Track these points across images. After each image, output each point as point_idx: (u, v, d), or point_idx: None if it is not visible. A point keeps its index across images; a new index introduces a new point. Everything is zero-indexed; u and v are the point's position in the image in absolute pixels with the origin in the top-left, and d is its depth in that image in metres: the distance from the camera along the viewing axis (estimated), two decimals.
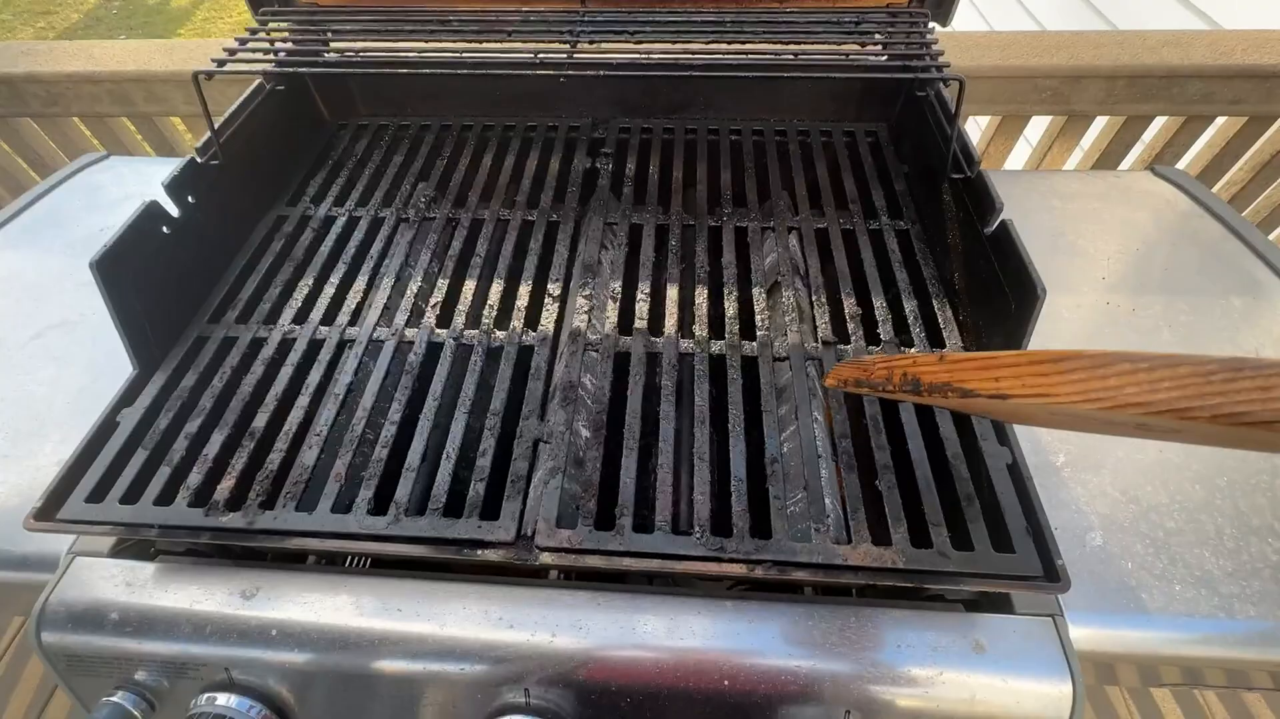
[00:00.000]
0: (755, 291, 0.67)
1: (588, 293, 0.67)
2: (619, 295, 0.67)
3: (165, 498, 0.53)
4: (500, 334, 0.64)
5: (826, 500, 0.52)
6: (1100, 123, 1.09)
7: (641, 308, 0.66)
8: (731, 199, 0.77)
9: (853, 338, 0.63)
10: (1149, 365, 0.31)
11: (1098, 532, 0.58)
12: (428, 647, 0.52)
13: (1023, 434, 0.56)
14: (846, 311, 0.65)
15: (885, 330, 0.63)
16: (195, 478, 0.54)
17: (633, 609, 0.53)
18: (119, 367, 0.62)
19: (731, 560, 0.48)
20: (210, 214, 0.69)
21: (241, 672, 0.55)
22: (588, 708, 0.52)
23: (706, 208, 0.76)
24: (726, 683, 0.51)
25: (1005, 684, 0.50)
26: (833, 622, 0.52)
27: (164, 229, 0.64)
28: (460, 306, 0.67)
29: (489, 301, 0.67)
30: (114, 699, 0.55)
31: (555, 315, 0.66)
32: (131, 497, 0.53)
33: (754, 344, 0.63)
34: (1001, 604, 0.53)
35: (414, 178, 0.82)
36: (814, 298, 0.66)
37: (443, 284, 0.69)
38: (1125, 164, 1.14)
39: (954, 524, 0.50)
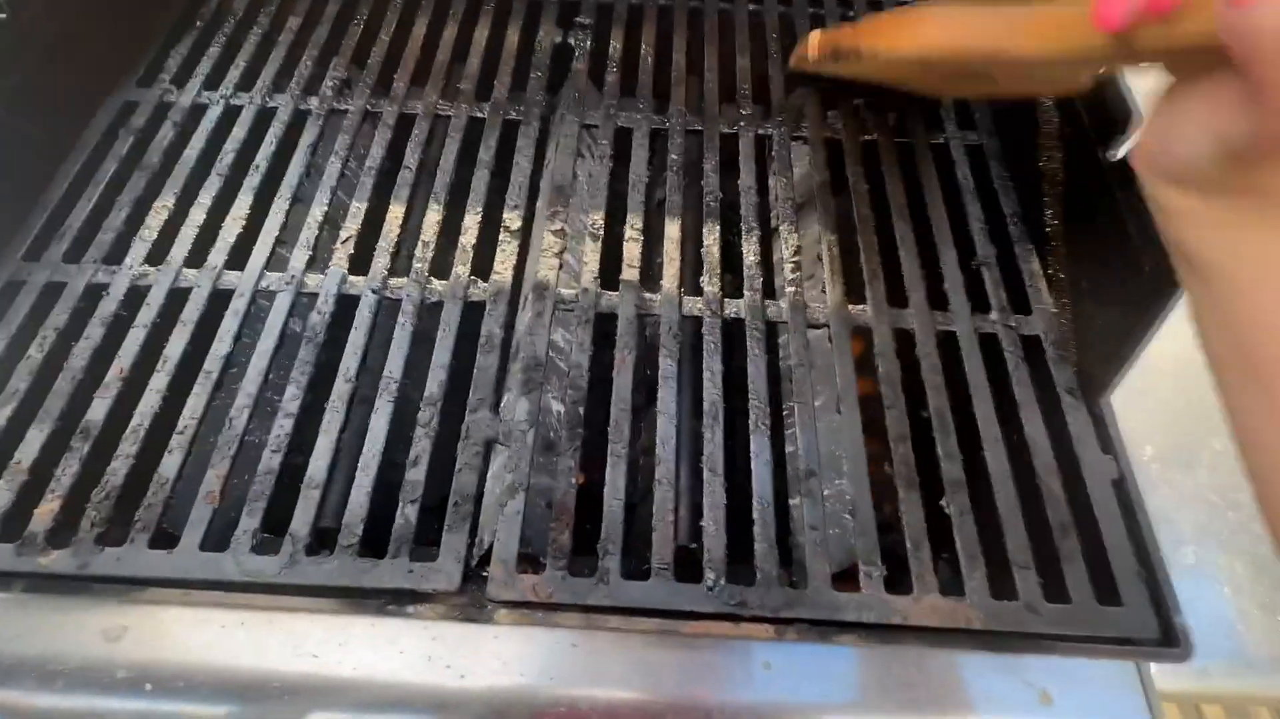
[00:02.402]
0: (784, 229, 0.50)
1: (558, 226, 0.50)
2: (601, 231, 0.50)
3: None
4: (439, 285, 0.47)
5: (878, 530, 0.39)
6: None
7: (631, 250, 0.49)
8: (750, 95, 0.58)
9: (911, 298, 0.47)
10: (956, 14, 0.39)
11: (1190, 546, 0.47)
12: (353, 698, 0.40)
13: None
14: (902, 257, 0.49)
15: (953, 286, 0.48)
16: (3, 496, 0.39)
17: (619, 650, 0.41)
18: None
19: (755, 619, 0.36)
20: (9, 98, 0.48)
21: None
22: None
23: (718, 107, 0.57)
24: None
25: None
26: (871, 664, 0.41)
27: None
28: (383, 243, 0.49)
29: (423, 236, 0.49)
30: None
31: (514, 258, 0.48)
32: None
33: (783, 304, 0.47)
34: (1028, 641, 0.42)
35: (317, 50, 0.60)
36: (861, 239, 0.50)
37: (358, 208, 0.50)
38: None
39: (1044, 563, 0.38)
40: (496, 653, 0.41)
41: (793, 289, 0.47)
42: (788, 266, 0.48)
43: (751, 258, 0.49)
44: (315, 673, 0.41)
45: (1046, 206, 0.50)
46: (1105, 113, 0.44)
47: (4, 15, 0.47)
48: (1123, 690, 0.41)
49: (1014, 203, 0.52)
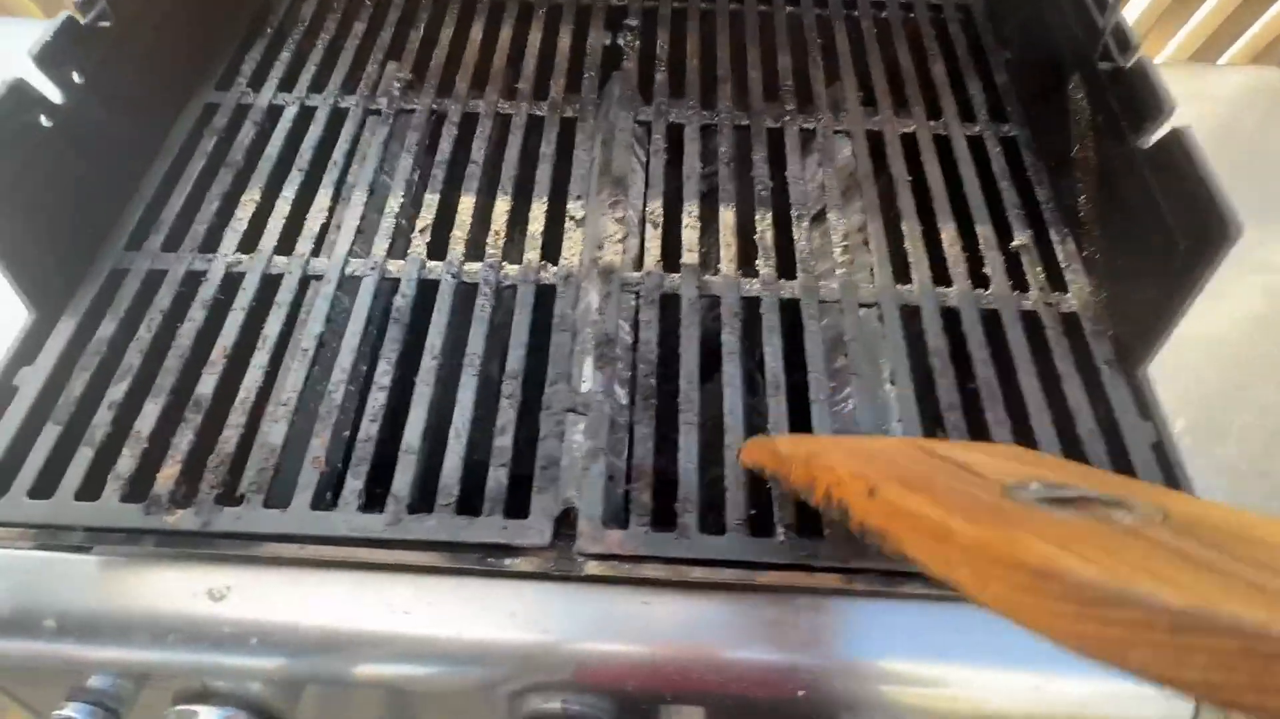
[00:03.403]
0: (831, 216, 0.53)
1: (620, 215, 0.53)
2: (660, 219, 0.53)
3: (90, 489, 0.41)
4: (511, 269, 0.50)
5: None
6: (1211, 2, 0.91)
7: (690, 236, 0.52)
8: (794, 92, 0.61)
9: (955, 277, 0.50)
10: (1171, 624, 0.17)
11: None
12: (442, 652, 0.43)
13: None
14: (944, 241, 0.52)
15: (993, 268, 0.51)
16: (127, 462, 0.42)
17: (689, 609, 0.44)
18: (15, 310, 0.47)
19: (825, 569, 0.39)
20: (109, 99, 0.51)
21: (218, 680, 0.46)
22: (636, 717, 0.45)
23: (763, 103, 0.60)
24: (802, 692, 0.43)
25: (1121, 688, 0.43)
26: (935, 619, 0.44)
27: (43, 119, 0.47)
28: (457, 231, 0.52)
29: (494, 226, 0.52)
30: (64, 713, 0.46)
31: (579, 244, 0.52)
32: (44, 488, 0.41)
33: (834, 285, 0.50)
34: None
35: (382, 55, 0.63)
36: (905, 225, 0.53)
37: (431, 200, 0.54)
38: (1224, 58, 0.97)
39: None
40: (573, 611, 0.44)
41: (843, 271, 0.50)
42: (837, 250, 0.52)
43: (803, 242, 0.52)
44: (407, 629, 0.44)
45: (1080, 193, 0.53)
46: (1134, 102, 0.48)
47: (109, 24, 0.51)
48: None
49: (1048, 189, 0.55)
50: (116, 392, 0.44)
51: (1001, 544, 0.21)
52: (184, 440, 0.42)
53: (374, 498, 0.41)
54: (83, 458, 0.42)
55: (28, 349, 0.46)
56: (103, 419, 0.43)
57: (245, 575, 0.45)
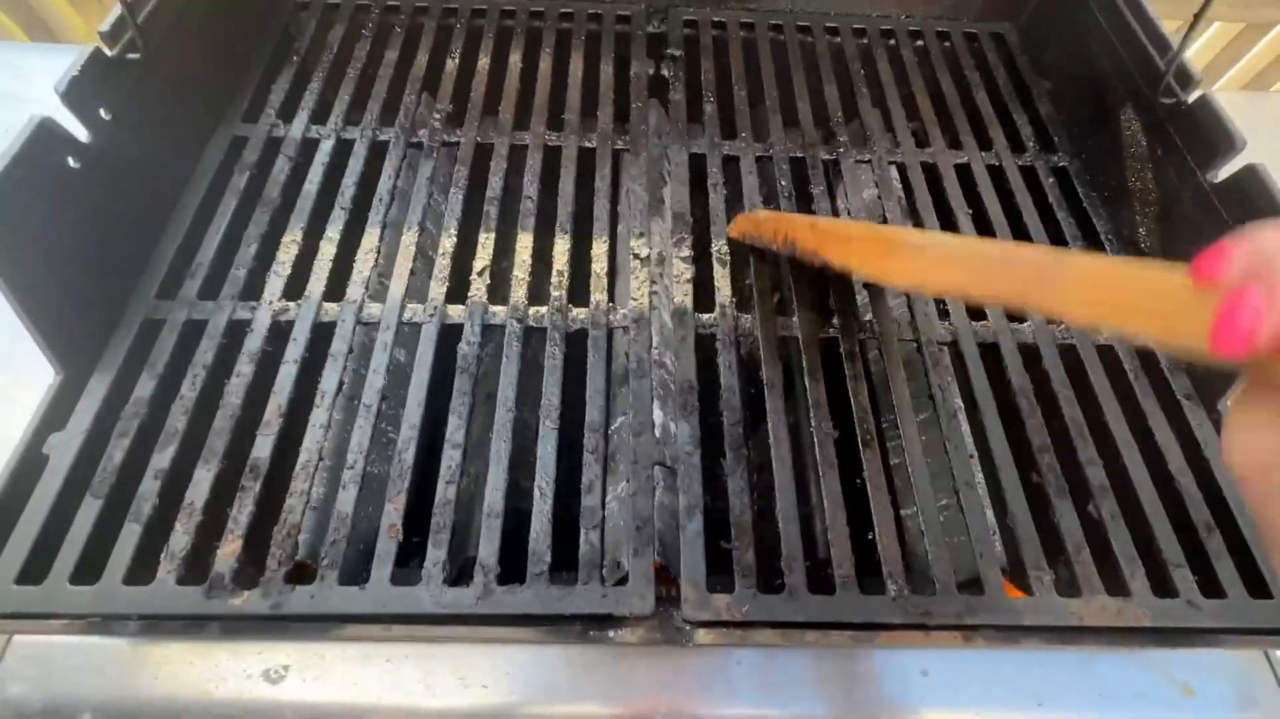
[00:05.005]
0: None
1: (685, 253, 0.51)
2: (727, 256, 0.51)
3: (141, 572, 0.37)
4: (579, 312, 0.48)
5: (1038, 536, 0.41)
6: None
7: (761, 273, 0.50)
8: (844, 123, 0.60)
9: (1030, 313, 0.50)
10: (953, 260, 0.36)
11: None
12: None
13: None
14: None
15: None
16: (181, 538, 0.38)
17: (783, 667, 0.42)
18: (39, 364, 0.43)
19: (941, 627, 0.37)
20: (136, 132, 0.48)
21: None
22: None
23: (815, 133, 0.59)
24: None
25: None
26: (1019, 667, 0.43)
27: (71, 161, 0.43)
28: (517, 273, 0.50)
29: (556, 265, 0.50)
30: None
31: (647, 284, 0.50)
32: (88, 572, 0.37)
33: (909, 322, 0.49)
34: (1193, 636, 0.45)
35: (419, 85, 0.60)
36: None
37: (486, 239, 0.51)
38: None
39: (1194, 562, 0.41)
40: (674, 673, 0.41)
41: (920, 307, 0.50)
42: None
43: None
44: (489, 705, 0.41)
45: (1140, 224, 0.53)
46: (1201, 137, 0.48)
47: (138, 55, 0.47)
48: (1257, 680, 0.44)
49: (1106, 220, 0.55)
50: (162, 458, 0.40)
51: (874, 235, 0.42)
52: (243, 512, 0.39)
53: (459, 568, 0.38)
54: (130, 535, 0.38)
55: (57, 412, 0.41)
56: (149, 490, 0.39)
57: (303, 654, 0.42)
